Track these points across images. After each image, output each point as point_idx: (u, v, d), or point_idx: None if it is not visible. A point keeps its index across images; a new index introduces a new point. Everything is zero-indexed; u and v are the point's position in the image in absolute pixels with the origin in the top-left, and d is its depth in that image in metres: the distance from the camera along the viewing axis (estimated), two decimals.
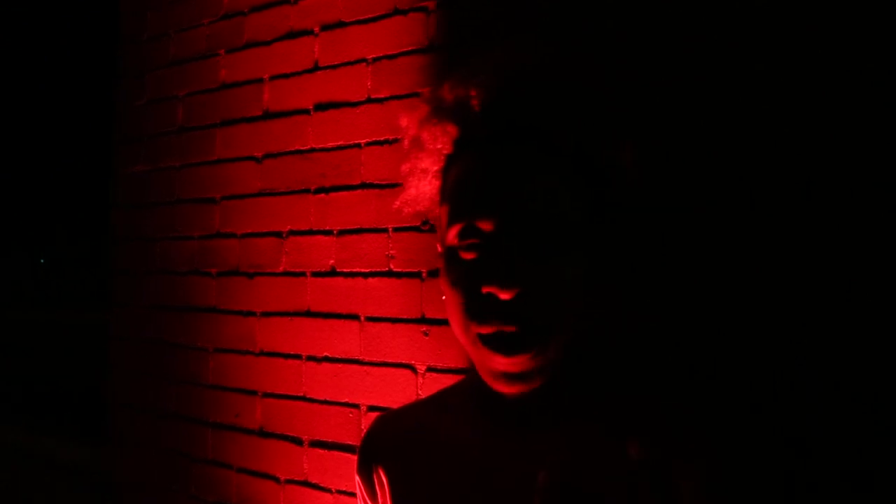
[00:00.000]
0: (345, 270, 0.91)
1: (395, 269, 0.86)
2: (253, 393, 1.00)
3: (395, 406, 0.73)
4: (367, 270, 0.88)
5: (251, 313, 1.02)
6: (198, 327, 1.09)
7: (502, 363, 0.41)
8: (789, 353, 0.56)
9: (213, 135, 1.10)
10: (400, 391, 0.84)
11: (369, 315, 0.88)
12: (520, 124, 0.43)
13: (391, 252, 0.86)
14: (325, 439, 0.91)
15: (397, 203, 0.51)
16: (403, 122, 0.49)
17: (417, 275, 0.83)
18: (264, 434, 0.98)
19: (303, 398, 0.94)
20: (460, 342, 0.45)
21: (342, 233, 0.92)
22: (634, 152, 0.46)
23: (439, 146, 0.47)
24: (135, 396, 1.18)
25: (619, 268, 0.54)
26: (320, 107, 0.95)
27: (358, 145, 0.91)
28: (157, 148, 1.18)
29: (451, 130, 0.46)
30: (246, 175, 1.04)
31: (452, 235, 0.43)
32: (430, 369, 0.80)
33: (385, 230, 0.87)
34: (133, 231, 1.21)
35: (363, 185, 0.90)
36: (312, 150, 0.96)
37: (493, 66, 0.45)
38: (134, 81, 1.22)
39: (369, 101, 0.89)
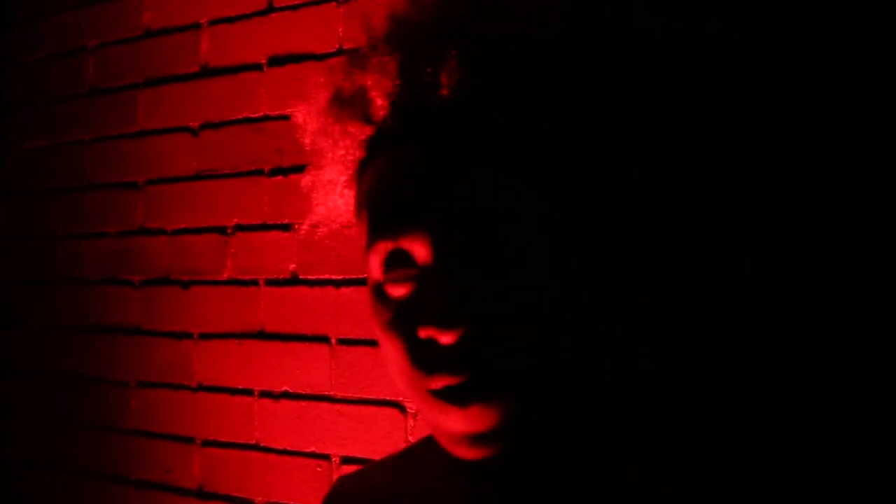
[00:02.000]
0: (310, 277, 0.89)
1: None
2: (189, 441, 0.98)
3: (377, 457, 0.69)
4: (340, 277, 0.87)
5: (186, 335, 1.00)
6: (115, 354, 1.06)
7: (458, 420, 0.39)
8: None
9: (134, 98, 1.07)
10: (384, 437, 0.82)
11: (343, 336, 0.86)
12: (444, 107, 0.40)
13: None
14: (285, 501, 0.88)
15: (306, 226, 0.51)
16: (299, 117, 0.48)
17: None
18: (204, 495, 0.95)
19: (255, 447, 0.92)
20: (413, 401, 0.44)
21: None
22: (607, 124, 0.44)
23: (342, 152, 0.45)
24: (29, 446, 1.14)
25: (599, 283, 0.51)
26: (276, 61, 0.93)
27: None
28: (59, 116, 1.15)
29: (355, 131, 0.44)
30: (178, 151, 1.02)
31: (376, 266, 0.41)
32: None
33: None
34: (27, 226, 1.18)
35: None
36: (266, 119, 0.94)
37: (391, 33, 0.43)
38: (27, 28, 1.19)
39: (341, 52, 0.87)
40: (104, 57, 1.10)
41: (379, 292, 0.42)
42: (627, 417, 0.46)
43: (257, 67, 0.95)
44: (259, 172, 0.94)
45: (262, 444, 0.91)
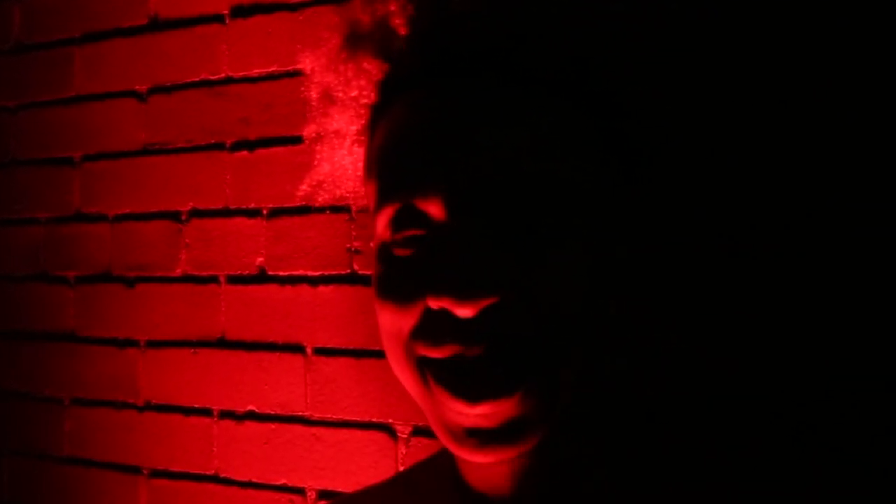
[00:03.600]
0: (281, 273, 0.88)
1: (360, 272, 0.83)
2: (135, 470, 0.96)
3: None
4: (317, 273, 0.86)
5: (131, 342, 0.98)
6: (46, 365, 1.05)
7: (467, 412, 0.39)
8: None
9: (69, 56, 1.05)
10: (370, 466, 0.80)
11: (320, 345, 0.85)
12: (475, 48, 0.41)
13: (355, 244, 0.83)
14: None
15: (304, 187, 0.51)
16: (306, 63, 0.49)
17: None
18: None
19: (214, 478, 0.90)
20: (403, 384, 0.43)
21: (276, 213, 0.89)
22: (671, 79, 0.45)
23: (354, 93, 0.46)
24: None
25: (647, 264, 0.53)
26: (241, 11, 0.92)
27: (302, 73, 0.88)
28: None
29: (371, 68, 0.44)
30: (123, 121, 1.00)
31: (383, 225, 0.42)
32: (418, 431, 0.78)
33: (346, 209, 0.84)
34: None
35: None
36: (229, 81, 0.93)
37: None
38: None
39: (318, 0, 0.86)
40: (33, 6, 1.07)
41: (385, 255, 0.42)
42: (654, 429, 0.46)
43: (218, 19, 0.93)
44: (220, 147, 0.93)
45: (222, 475, 0.90)
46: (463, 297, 0.37)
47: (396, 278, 0.41)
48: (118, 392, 0.98)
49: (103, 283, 1.00)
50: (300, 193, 0.51)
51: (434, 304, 0.38)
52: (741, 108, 0.59)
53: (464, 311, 0.37)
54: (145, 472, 0.95)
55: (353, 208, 0.83)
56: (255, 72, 0.90)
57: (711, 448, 0.47)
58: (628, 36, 0.42)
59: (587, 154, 0.41)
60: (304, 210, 0.86)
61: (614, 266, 0.42)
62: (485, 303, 0.37)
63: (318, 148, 0.49)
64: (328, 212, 0.85)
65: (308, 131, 0.49)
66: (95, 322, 1.01)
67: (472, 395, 0.38)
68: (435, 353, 0.39)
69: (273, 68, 0.89)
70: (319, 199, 0.51)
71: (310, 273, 0.86)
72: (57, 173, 1.05)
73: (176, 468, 0.93)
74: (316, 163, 0.50)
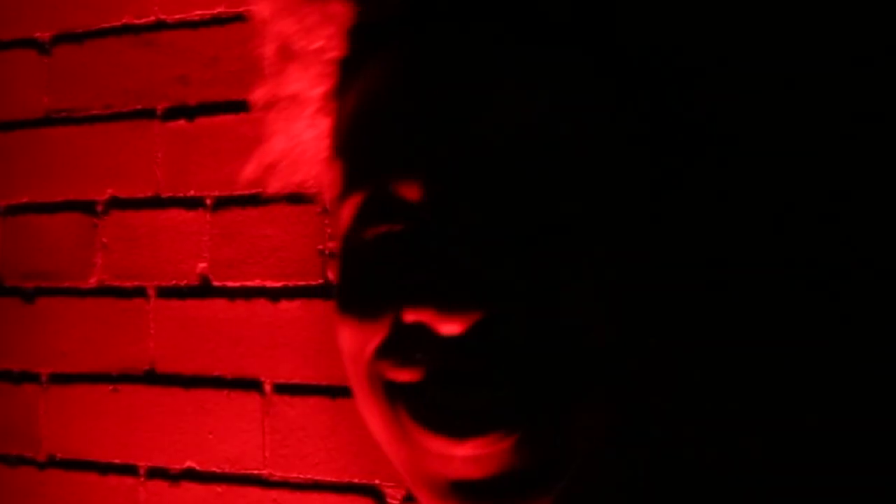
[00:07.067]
0: (230, 284, 0.88)
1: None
2: None
3: None
4: (279, 284, 0.85)
5: (30, 377, 0.96)
6: None
7: (451, 452, 0.39)
8: None
9: None
10: None
11: (283, 380, 0.85)
12: None
13: (329, 245, 0.83)
14: None
15: (251, 167, 0.52)
16: (264, 8, 0.49)
17: None
18: None
19: None
20: (370, 428, 0.44)
21: (225, 203, 0.88)
22: (725, 48, 0.46)
23: (318, 45, 0.47)
24: None
25: (690, 272, 0.54)
26: None
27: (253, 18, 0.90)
28: None
29: (338, 11, 0.45)
30: (17, 80, 0.99)
31: (348, 217, 0.43)
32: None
33: (315, 198, 0.81)
34: None
35: None
36: (160, 27, 0.92)
37: None
38: None
39: None
40: None
41: (350, 252, 0.43)
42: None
43: None
44: (149, 114, 0.92)
45: None
46: (449, 308, 0.36)
47: (363, 285, 0.42)
48: (12, 443, 0.96)
49: None
50: (245, 177, 0.50)
51: (410, 316, 0.38)
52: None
53: (449, 327, 0.36)
54: None
55: (319, 199, 0.81)
56: (196, 14, 0.89)
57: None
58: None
59: (615, 129, 0.42)
60: (261, 199, 0.85)
61: (649, 279, 0.43)
62: (476, 316, 0.37)
63: (270, 117, 0.49)
64: (292, 202, 0.82)
65: (257, 95, 0.49)
66: None
67: (456, 427, 0.37)
68: (404, 375, 0.39)
69: (219, 10, 0.88)
70: (272, 187, 0.50)
71: (269, 284, 0.85)
72: None
73: None
74: (267, 137, 0.50)
